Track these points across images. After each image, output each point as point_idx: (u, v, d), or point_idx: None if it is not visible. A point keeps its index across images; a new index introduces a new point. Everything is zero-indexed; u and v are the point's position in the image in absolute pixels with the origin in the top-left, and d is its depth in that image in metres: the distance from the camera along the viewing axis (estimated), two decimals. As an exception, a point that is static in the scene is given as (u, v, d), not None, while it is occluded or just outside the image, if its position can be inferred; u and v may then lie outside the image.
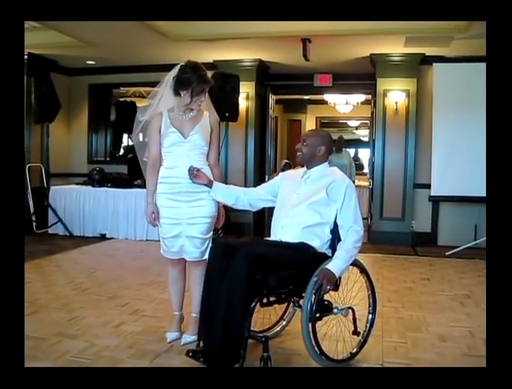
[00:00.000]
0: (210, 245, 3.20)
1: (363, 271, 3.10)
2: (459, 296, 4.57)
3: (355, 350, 3.06)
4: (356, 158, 11.36)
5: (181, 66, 3.13)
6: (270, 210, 3.24)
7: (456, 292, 4.71)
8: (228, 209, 7.54)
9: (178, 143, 3.10)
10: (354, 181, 8.23)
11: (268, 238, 3.10)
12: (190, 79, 3.04)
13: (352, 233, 2.90)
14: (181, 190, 3.11)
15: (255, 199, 3.26)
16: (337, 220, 2.95)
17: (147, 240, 7.05)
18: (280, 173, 3.38)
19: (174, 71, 3.13)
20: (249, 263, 2.59)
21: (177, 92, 3.13)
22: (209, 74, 7.12)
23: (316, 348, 2.77)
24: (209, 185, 3.13)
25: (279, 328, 3.42)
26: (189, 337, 3.20)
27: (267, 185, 3.31)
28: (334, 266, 2.77)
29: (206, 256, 3.14)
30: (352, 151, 11.61)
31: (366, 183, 9.17)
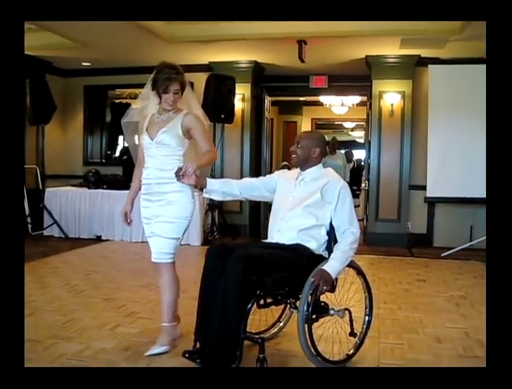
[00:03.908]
0: (175, 249, 3.11)
1: (359, 272, 3.10)
2: (455, 297, 4.58)
3: (351, 351, 3.06)
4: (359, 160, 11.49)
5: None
6: (266, 212, 3.23)
7: (452, 293, 4.72)
8: (223, 211, 7.61)
9: (147, 145, 3.08)
10: (348, 182, 8.26)
11: (264, 240, 3.10)
12: (157, 78, 3.03)
13: (348, 235, 2.90)
14: (151, 192, 3.09)
15: (250, 195, 3.24)
16: (332, 222, 2.95)
17: (142, 242, 7.01)
18: (276, 171, 3.35)
19: (152, 75, 3.12)
20: (245, 264, 2.58)
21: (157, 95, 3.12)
22: (205, 75, 7.23)
23: (312, 350, 2.77)
24: (202, 186, 3.07)
25: (276, 330, 3.41)
26: (159, 348, 3.07)
27: (265, 180, 3.26)
28: (331, 267, 2.77)
29: (172, 260, 3.11)
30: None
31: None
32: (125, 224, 3.34)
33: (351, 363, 3.02)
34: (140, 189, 3.20)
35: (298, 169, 3.14)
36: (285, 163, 10.15)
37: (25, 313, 3.67)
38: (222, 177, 7.87)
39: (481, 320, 3.55)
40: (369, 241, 7.44)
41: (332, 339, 3.05)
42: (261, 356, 2.65)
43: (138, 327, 3.57)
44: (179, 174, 2.90)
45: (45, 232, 7.47)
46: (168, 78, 2.99)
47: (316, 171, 3.08)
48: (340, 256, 2.82)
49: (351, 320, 3.01)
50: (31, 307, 3.92)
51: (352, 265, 3.00)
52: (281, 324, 3.43)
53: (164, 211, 3.06)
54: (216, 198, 3.18)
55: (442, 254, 6.62)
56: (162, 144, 3.04)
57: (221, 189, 3.13)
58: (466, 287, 4.97)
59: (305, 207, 2.94)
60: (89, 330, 3.50)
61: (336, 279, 2.89)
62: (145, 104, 3.24)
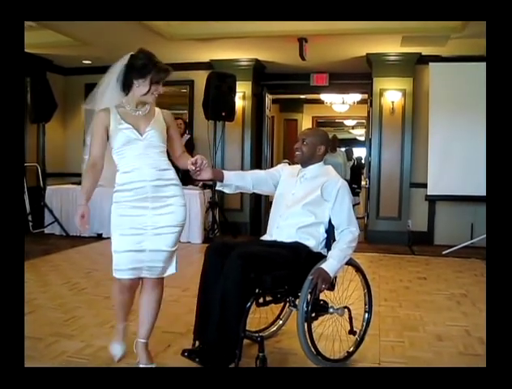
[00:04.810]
0: (175, 260, 2.80)
1: (358, 269, 3.10)
2: (456, 295, 4.58)
3: (351, 349, 3.06)
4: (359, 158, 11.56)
5: (133, 54, 2.74)
6: (267, 209, 3.21)
7: (453, 291, 4.72)
8: (224, 209, 7.61)
9: (133, 140, 2.65)
10: (348, 180, 8.28)
11: (263, 238, 3.09)
12: (148, 65, 2.64)
13: (347, 234, 2.90)
14: (146, 196, 2.65)
15: (260, 189, 3.19)
16: (332, 221, 2.94)
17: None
18: (280, 165, 3.32)
19: (123, 60, 2.74)
20: (243, 262, 2.57)
21: (126, 85, 2.71)
22: (205, 73, 7.22)
23: (312, 348, 2.77)
24: (219, 179, 2.98)
25: (275, 328, 3.41)
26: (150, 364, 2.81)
27: (272, 172, 3.22)
28: (329, 265, 2.77)
29: (169, 273, 2.80)
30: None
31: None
32: (82, 230, 2.80)
33: (351, 361, 3.03)
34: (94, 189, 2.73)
35: (299, 166, 3.13)
36: (286, 161, 10.16)
37: (26, 311, 3.69)
38: (223, 175, 7.87)
39: (482, 318, 3.55)
40: (370, 239, 7.45)
41: (332, 337, 3.05)
42: (260, 354, 2.65)
43: (138, 325, 3.57)
44: (197, 169, 2.72)
45: (46, 230, 7.48)
46: (166, 68, 2.70)
47: (317, 168, 3.07)
48: (338, 254, 2.82)
49: (350, 318, 3.01)
50: (32, 305, 3.93)
51: (350, 262, 3.00)
52: (280, 322, 3.43)
53: (164, 220, 2.68)
54: (228, 191, 3.09)
55: (443, 252, 6.61)
56: (151, 141, 2.69)
57: (236, 183, 3.06)
58: (467, 285, 4.97)
59: (304, 204, 2.93)
60: (90, 328, 3.50)
61: (335, 277, 2.89)
62: (100, 93, 2.81)
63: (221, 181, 3.01)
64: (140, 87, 2.67)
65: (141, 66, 2.65)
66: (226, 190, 3.09)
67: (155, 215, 2.67)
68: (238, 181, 3.07)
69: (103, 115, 2.69)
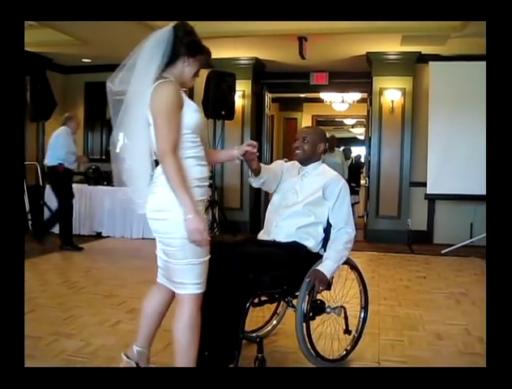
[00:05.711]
0: None
1: (353, 267, 3.10)
2: (455, 294, 4.59)
3: (349, 347, 3.06)
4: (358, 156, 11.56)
5: (176, 26, 2.26)
6: (266, 208, 3.19)
7: (452, 290, 4.73)
8: (223, 208, 7.60)
9: (203, 129, 2.32)
10: (346, 179, 8.27)
11: (261, 236, 3.08)
12: (198, 43, 2.26)
13: (343, 234, 2.88)
14: (206, 197, 2.35)
15: (275, 185, 3.09)
16: (329, 220, 2.93)
17: (143, 238, 7.03)
18: (280, 161, 3.28)
19: (167, 32, 2.26)
20: (242, 263, 2.55)
21: (170, 61, 2.24)
22: (205, 72, 7.23)
23: (311, 350, 2.76)
24: (258, 171, 2.86)
25: (270, 327, 3.39)
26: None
27: (277, 166, 3.15)
28: (325, 267, 2.77)
29: None
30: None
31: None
32: (201, 245, 2.22)
33: (351, 360, 3.03)
34: None
35: (298, 164, 3.11)
36: (286, 159, 10.15)
37: (26, 309, 3.68)
38: (222, 174, 7.91)
39: (481, 317, 3.55)
40: (370, 238, 7.46)
41: (331, 336, 3.05)
42: (259, 355, 2.63)
43: (138, 324, 3.57)
44: (255, 151, 2.60)
45: (46, 229, 7.47)
46: (210, 52, 2.34)
47: (316, 167, 3.06)
48: (335, 255, 2.81)
49: (346, 318, 3.00)
50: (32, 304, 3.93)
51: (347, 261, 2.98)
52: (274, 322, 3.41)
53: None
54: (256, 185, 2.99)
55: (442, 251, 6.62)
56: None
57: (266, 177, 2.94)
58: (466, 284, 4.98)
59: (305, 205, 2.92)
60: (90, 326, 3.51)
61: (332, 277, 2.89)
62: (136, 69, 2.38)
63: (258, 173, 2.88)
64: (189, 67, 2.27)
65: (191, 43, 2.24)
66: (254, 184, 2.97)
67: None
68: (267, 176, 2.95)
69: (176, 89, 2.18)
